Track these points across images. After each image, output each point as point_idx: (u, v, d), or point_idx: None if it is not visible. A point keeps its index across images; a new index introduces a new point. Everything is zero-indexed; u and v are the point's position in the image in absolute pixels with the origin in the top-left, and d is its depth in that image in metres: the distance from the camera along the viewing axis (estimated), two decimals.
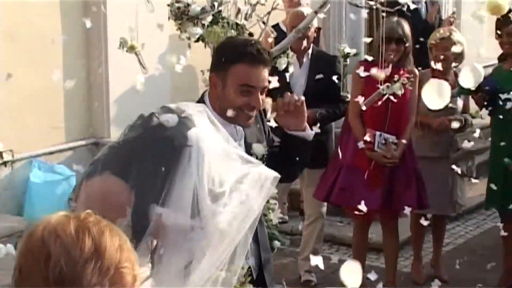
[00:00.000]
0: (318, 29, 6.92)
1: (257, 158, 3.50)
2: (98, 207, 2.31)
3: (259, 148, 3.60)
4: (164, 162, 2.35)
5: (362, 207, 4.23)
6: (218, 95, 3.43)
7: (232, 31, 4.80)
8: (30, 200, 6.47)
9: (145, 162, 2.37)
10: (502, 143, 6.26)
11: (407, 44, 6.15)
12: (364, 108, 5.30)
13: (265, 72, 3.38)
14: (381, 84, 5.59)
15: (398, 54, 6.13)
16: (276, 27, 6.68)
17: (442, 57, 6.45)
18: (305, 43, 6.17)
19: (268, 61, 3.42)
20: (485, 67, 7.77)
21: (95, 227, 1.74)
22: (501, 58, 7.20)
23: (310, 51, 6.63)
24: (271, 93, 3.68)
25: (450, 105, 6.55)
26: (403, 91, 5.68)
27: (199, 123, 2.45)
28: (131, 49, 4.54)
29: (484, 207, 7.35)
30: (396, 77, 5.69)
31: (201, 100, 3.53)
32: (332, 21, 9.38)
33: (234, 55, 3.39)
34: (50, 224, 1.74)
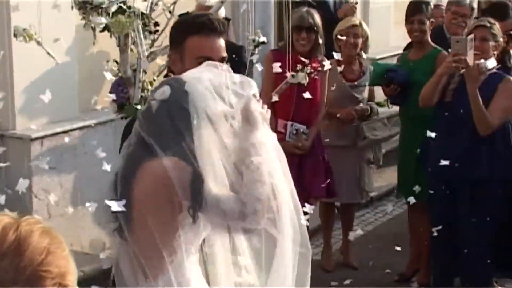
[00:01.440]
0: (227, 20, 6.94)
1: None
2: (166, 189, 2.73)
3: None
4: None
5: None
6: (179, 72, 3.33)
7: (138, 20, 4.79)
8: None
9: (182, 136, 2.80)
10: (411, 135, 6.39)
11: (318, 33, 6.24)
12: (275, 99, 5.38)
13: (220, 41, 3.36)
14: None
15: (310, 44, 6.21)
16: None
17: (352, 41, 6.59)
18: None
19: (222, 31, 3.41)
20: (392, 56, 7.93)
21: (26, 227, 1.72)
22: (407, 47, 7.35)
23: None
24: None
25: (356, 95, 6.71)
26: (307, 80, 5.76)
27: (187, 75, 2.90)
28: (28, 38, 4.48)
29: (395, 195, 7.51)
30: (299, 66, 5.77)
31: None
32: (242, 11, 9.42)
33: (186, 28, 3.37)
34: None
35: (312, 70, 5.79)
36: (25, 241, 1.70)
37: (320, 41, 6.27)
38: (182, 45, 3.35)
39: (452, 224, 5.75)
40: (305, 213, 3.13)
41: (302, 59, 5.88)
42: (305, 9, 6.17)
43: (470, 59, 5.49)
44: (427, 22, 6.49)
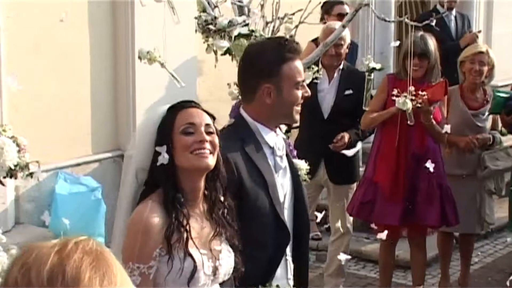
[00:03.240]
0: (350, 45, 6.97)
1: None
2: None
3: (302, 163, 3.64)
4: None
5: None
6: (271, 103, 3.37)
7: None
8: (56, 212, 6.52)
9: None
10: None
11: (431, 59, 6.15)
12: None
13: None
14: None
15: (422, 69, 6.14)
16: (316, 41, 6.80)
17: (477, 68, 6.47)
18: (335, 60, 6.33)
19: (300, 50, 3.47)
20: None
21: (74, 264, 1.55)
22: None
23: (341, 66, 6.69)
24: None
25: (478, 123, 6.56)
26: (409, 106, 5.66)
27: None
28: (151, 60, 4.57)
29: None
30: (398, 92, 5.70)
31: (236, 113, 3.52)
32: (361, 36, 9.41)
33: (278, 56, 3.36)
34: (27, 263, 1.57)
35: (414, 98, 5.68)
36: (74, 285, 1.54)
37: (435, 66, 6.19)
38: (279, 73, 3.34)
39: None
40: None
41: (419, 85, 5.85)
42: (419, 33, 6.10)
43: None
44: None
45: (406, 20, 4.93)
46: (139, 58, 4.80)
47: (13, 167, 3.65)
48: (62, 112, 6.75)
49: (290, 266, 3.49)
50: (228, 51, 4.94)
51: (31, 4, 6.43)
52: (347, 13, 7.54)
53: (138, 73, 6.89)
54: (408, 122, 5.81)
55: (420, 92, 5.64)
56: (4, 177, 3.70)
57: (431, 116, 5.96)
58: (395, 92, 5.59)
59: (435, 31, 6.01)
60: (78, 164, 6.92)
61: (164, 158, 2.87)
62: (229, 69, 5.70)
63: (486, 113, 6.68)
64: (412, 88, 5.49)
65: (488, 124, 6.73)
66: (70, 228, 6.35)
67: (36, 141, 6.59)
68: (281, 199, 3.41)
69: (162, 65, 4.60)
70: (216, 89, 7.48)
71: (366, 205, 6.16)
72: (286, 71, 3.34)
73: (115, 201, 6.86)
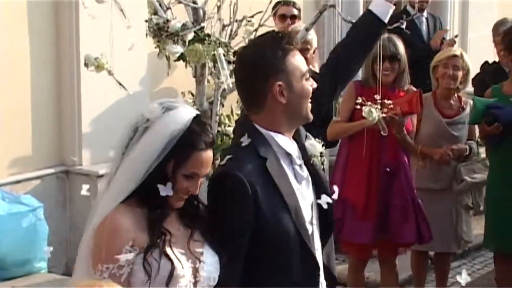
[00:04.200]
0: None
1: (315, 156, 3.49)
2: None
3: (315, 146, 3.53)
4: None
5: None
6: (286, 102, 3.30)
7: (220, 49, 4.80)
8: None
9: None
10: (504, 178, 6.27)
11: (401, 62, 6.18)
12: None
13: None
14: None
15: (393, 74, 6.17)
16: None
17: (451, 73, 6.49)
18: None
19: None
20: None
21: None
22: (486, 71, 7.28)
23: None
24: None
25: (454, 133, 6.58)
26: (375, 116, 5.63)
27: None
28: (99, 68, 4.53)
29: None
30: (363, 100, 5.69)
31: (250, 128, 3.35)
32: (326, 40, 9.43)
33: (279, 50, 3.30)
34: None
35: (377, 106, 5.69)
36: None
37: (405, 70, 6.22)
38: (285, 68, 3.27)
39: None
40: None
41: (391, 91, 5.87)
42: (386, 35, 6.11)
43: None
44: None
45: None
46: (85, 65, 4.76)
47: None
48: (1, 126, 6.68)
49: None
50: (181, 57, 4.91)
51: None
52: (293, 15, 7.54)
53: (83, 81, 6.83)
54: (382, 132, 5.81)
55: (386, 101, 5.65)
56: None
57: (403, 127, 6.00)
58: (359, 100, 5.57)
59: (405, 34, 6.02)
60: (18, 182, 6.84)
61: (168, 190, 3.00)
62: (184, 76, 5.69)
63: (466, 122, 6.66)
64: (378, 97, 5.49)
65: (465, 133, 6.71)
66: (9, 251, 6.29)
67: None
68: (307, 215, 3.39)
69: (109, 72, 4.56)
70: (170, 98, 7.45)
71: (335, 224, 6.13)
72: (291, 63, 3.28)
73: (58, 222, 6.84)
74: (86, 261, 2.99)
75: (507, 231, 6.28)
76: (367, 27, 4.15)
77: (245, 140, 3.27)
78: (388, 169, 6.16)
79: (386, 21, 4.10)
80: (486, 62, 8.26)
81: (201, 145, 3.03)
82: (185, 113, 3.05)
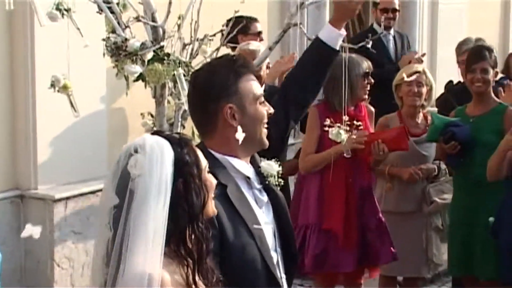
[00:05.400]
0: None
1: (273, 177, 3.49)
2: None
3: (272, 166, 3.53)
4: None
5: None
6: (238, 126, 3.33)
7: (180, 69, 4.82)
8: None
9: None
10: (475, 202, 6.30)
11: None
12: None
13: None
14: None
15: None
16: None
17: (415, 90, 6.56)
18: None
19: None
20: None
21: None
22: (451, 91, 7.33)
23: (262, 88, 6.69)
24: None
25: (422, 152, 6.64)
26: (342, 139, 5.72)
27: None
28: (64, 89, 4.54)
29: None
30: (331, 122, 5.76)
31: (205, 154, 3.25)
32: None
33: (232, 73, 3.34)
34: None
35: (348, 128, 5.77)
36: None
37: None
38: (238, 91, 3.32)
39: None
40: None
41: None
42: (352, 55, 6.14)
43: None
44: (491, 71, 6.37)
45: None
46: (52, 86, 4.76)
47: None
48: None
49: None
50: (141, 77, 4.92)
51: None
52: (259, 31, 7.49)
53: (39, 102, 6.80)
54: (345, 154, 5.87)
55: (355, 122, 5.70)
56: None
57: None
58: (327, 122, 5.61)
59: (371, 54, 6.08)
60: None
61: None
62: (143, 97, 5.70)
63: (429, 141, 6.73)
64: (346, 118, 5.56)
65: (433, 152, 6.76)
66: None
67: None
68: (270, 242, 3.39)
69: (68, 95, 4.57)
70: (129, 119, 7.46)
71: (319, 256, 6.13)
72: (244, 86, 3.33)
73: (12, 248, 6.79)
74: None
75: (470, 257, 6.34)
76: (318, 55, 4.16)
77: None
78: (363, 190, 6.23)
79: (337, 48, 4.12)
80: (451, 82, 8.35)
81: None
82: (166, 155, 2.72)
